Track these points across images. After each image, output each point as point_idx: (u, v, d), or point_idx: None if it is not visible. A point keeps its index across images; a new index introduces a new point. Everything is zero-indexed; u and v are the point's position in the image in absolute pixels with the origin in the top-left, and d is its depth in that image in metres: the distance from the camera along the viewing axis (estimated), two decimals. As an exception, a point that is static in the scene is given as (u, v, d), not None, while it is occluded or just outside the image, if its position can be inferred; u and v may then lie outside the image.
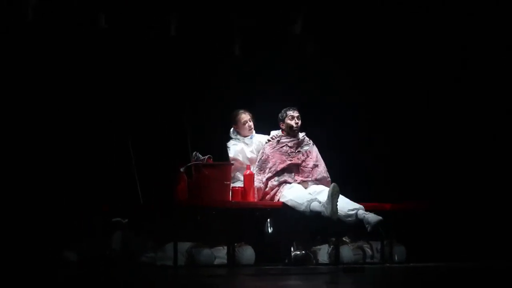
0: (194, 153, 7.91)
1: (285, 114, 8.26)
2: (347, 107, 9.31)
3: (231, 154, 8.35)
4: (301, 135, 8.33)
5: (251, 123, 8.45)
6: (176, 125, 8.82)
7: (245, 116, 8.44)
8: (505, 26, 9.07)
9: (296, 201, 7.87)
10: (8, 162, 8.24)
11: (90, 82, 8.58)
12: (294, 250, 8.18)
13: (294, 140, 8.29)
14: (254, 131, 8.47)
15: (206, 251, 7.90)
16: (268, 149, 8.23)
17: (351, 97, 9.33)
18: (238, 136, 8.47)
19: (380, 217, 7.67)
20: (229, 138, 8.49)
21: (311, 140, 8.37)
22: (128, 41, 8.64)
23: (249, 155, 8.40)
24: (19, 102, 8.36)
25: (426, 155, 9.30)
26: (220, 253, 7.95)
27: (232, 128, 8.49)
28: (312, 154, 8.27)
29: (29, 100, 8.39)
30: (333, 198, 7.60)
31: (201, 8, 8.84)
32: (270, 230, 8.31)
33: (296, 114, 8.26)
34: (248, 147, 8.43)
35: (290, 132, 8.27)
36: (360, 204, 7.87)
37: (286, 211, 7.99)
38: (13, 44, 8.32)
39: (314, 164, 8.22)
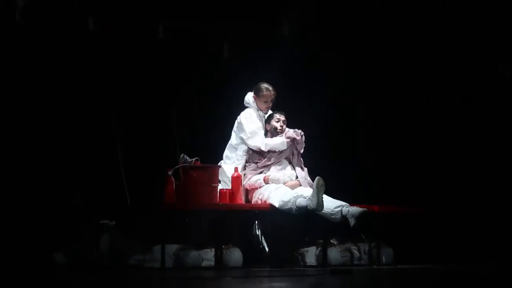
0: (181, 155, 7.91)
1: (272, 116, 8.33)
2: (337, 107, 9.35)
3: (252, 125, 8.30)
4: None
5: (271, 104, 8.43)
6: (164, 127, 8.83)
7: (271, 95, 8.38)
8: (505, 26, 9.10)
9: (282, 199, 7.88)
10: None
11: (78, 84, 8.57)
12: (282, 252, 8.18)
13: None
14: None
15: (194, 253, 7.89)
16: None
17: (344, 98, 9.36)
18: (256, 106, 8.43)
19: (364, 209, 7.73)
20: (244, 106, 8.45)
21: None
22: (116, 44, 8.64)
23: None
24: (7, 105, 8.35)
25: (415, 158, 9.32)
26: (208, 255, 7.94)
27: (250, 96, 8.43)
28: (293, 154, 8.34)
29: (16, 103, 8.38)
30: (318, 190, 7.63)
31: (189, 10, 8.86)
32: (258, 232, 8.32)
33: (282, 118, 8.36)
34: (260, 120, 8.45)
35: (274, 133, 8.34)
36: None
37: (274, 212, 7.99)
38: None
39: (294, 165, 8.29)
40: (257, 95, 8.39)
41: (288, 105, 8.61)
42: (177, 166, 7.84)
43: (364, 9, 9.18)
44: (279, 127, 8.32)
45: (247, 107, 8.45)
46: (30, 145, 8.37)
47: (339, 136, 9.39)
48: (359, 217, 7.69)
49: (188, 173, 7.81)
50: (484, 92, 9.27)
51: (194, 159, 7.90)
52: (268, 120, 8.38)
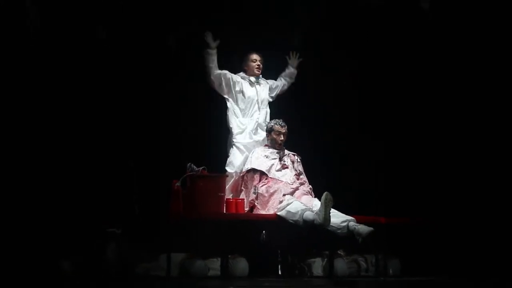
0: (188, 164, 7.91)
1: (273, 127, 8.37)
2: (342, 119, 9.35)
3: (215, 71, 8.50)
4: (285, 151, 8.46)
5: (260, 63, 8.61)
6: (170, 135, 8.85)
7: (256, 57, 8.60)
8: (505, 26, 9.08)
9: (290, 211, 7.86)
10: (4, 173, 8.24)
11: (87, 95, 8.60)
12: (288, 263, 8.17)
13: (277, 151, 8.38)
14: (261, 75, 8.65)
15: (200, 263, 7.89)
16: (253, 161, 8.28)
17: (348, 109, 9.35)
18: (244, 75, 8.61)
19: (371, 228, 7.65)
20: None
21: (295, 155, 8.41)
22: (123, 51, 8.66)
23: (249, 93, 8.54)
24: (18, 113, 8.37)
25: (422, 169, 9.30)
26: (214, 265, 7.94)
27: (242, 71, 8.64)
28: (294, 165, 8.31)
29: (27, 110, 8.40)
30: (326, 205, 7.60)
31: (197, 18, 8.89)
32: (264, 242, 8.30)
33: (283, 130, 8.39)
34: (250, 85, 8.56)
35: (275, 145, 8.37)
36: (355, 217, 7.86)
37: (281, 223, 7.98)
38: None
39: (295, 175, 8.26)
40: (246, 62, 8.65)
41: (291, 115, 8.63)
42: (184, 175, 7.84)
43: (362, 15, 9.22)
44: (279, 141, 8.36)
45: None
46: (38, 153, 8.38)
47: (345, 146, 9.37)
48: (366, 237, 7.65)
49: (195, 182, 7.81)
50: (490, 103, 9.24)
51: (201, 168, 7.90)
52: (269, 131, 8.40)
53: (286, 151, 8.44)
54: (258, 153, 8.34)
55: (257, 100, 8.62)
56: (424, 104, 9.33)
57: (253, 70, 8.64)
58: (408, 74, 9.37)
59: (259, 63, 8.61)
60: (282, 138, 8.39)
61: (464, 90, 9.24)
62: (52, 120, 8.46)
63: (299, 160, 8.43)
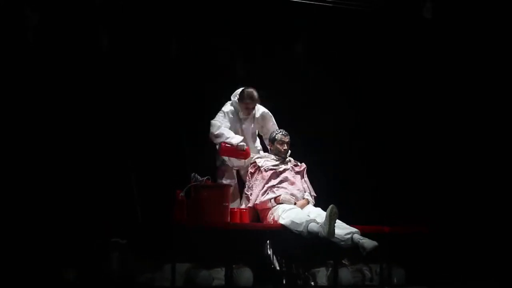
0: (192, 174, 7.90)
1: (276, 137, 8.36)
2: (346, 127, 9.35)
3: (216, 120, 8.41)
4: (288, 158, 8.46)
5: (251, 111, 8.53)
6: (175, 145, 8.84)
7: (251, 104, 8.47)
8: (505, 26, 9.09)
9: (295, 221, 7.84)
10: (9, 181, 8.23)
11: (90, 101, 8.59)
12: (293, 272, 8.16)
13: (280, 160, 8.39)
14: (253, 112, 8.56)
15: (204, 273, 7.88)
16: (254, 169, 8.30)
17: (349, 118, 9.36)
18: (237, 107, 8.51)
19: (375, 243, 7.58)
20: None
21: (298, 163, 8.41)
22: (128, 63, 8.67)
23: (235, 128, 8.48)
24: (20, 120, 8.37)
25: (427, 178, 9.29)
26: (218, 275, 7.93)
27: (236, 99, 8.52)
28: (297, 174, 8.30)
29: (30, 119, 8.40)
30: (331, 219, 7.58)
31: (201, 30, 8.89)
32: (269, 252, 8.30)
33: (287, 139, 8.39)
34: (239, 122, 8.51)
35: (278, 154, 8.38)
36: (359, 227, 7.84)
37: (285, 233, 7.97)
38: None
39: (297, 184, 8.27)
40: (242, 100, 8.49)
41: (294, 125, 8.63)
42: (189, 185, 7.83)
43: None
44: (282, 151, 8.35)
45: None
46: (43, 162, 8.37)
47: (348, 155, 9.37)
48: (370, 251, 7.60)
49: (199, 192, 7.80)
50: (495, 111, 9.24)
51: (205, 178, 7.89)
52: (272, 141, 8.41)
53: (290, 162, 8.41)
54: (263, 159, 8.34)
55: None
56: (431, 111, 9.34)
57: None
58: (410, 79, 9.38)
59: (286, 147, 8.45)
60: (286, 147, 8.38)
61: (469, 98, 9.24)
62: (59, 128, 8.45)
63: (302, 168, 8.40)
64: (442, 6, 9.11)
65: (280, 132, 8.41)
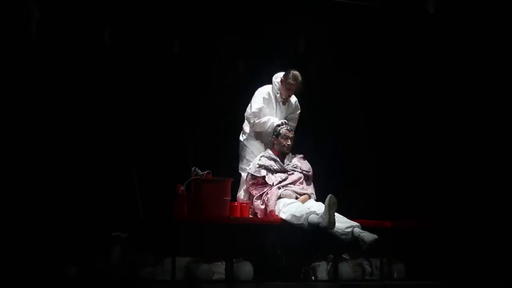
0: (193, 168, 7.91)
1: (281, 131, 8.31)
2: (349, 121, 9.36)
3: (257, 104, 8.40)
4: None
5: (292, 93, 8.46)
6: (176, 140, 8.86)
7: (294, 85, 8.38)
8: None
9: (295, 215, 7.84)
10: (10, 177, 8.25)
11: (91, 96, 8.61)
12: (293, 266, 8.17)
13: (282, 159, 8.36)
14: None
15: (205, 267, 7.89)
16: (257, 164, 8.27)
17: (354, 112, 9.37)
18: (278, 88, 8.45)
19: (375, 236, 7.60)
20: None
21: (301, 156, 8.41)
22: (130, 59, 8.68)
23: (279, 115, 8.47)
24: (20, 118, 8.39)
25: (428, 173, 9.30)
26: (219, 269, 7.94)
27: (279, 77, 8.44)
28: (301, 167, 8.30)
29: (31, 117, 8.41)
30: (330, 208, 7.58)
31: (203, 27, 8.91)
32: (269, 246, 8.30)
33: (291, 135, 8.33)
34: (275, 104, 8.48)
35: (281, 149, 8.33)
36: (361, 221, 7.85)
37: (286, 227, 7.97)
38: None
39: (299, 177, 8.25)
40: (285, 79, 8.40)
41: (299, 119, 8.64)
42: (189, 179, 7.84)
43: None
44: (286, 146, 8.30)
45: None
46: (44, 158, 8.39)
47: (351, 150, 9.38)
48: (370, 244, 7.61)
49: (199, 186, 7.81)
50: (497, 111, 9.25)
51: (205, 172, 7.90)
52: (276, 135, 8.33)
53: (293, 160, 8.40)
54: (265, 159, 8.31)
55: None
56: (433, 109, 9.35)
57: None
58: (414, 79, 9.39)
59: (289, 142, 8.39)
60: (290, 143, 8.32)
61: (471, 97, 9.26)
62: (59, 125, 8.47)
63: (304, 163, 8.39)
64: (445, 1, 9.12)
65: (285, 126, 8.38)
